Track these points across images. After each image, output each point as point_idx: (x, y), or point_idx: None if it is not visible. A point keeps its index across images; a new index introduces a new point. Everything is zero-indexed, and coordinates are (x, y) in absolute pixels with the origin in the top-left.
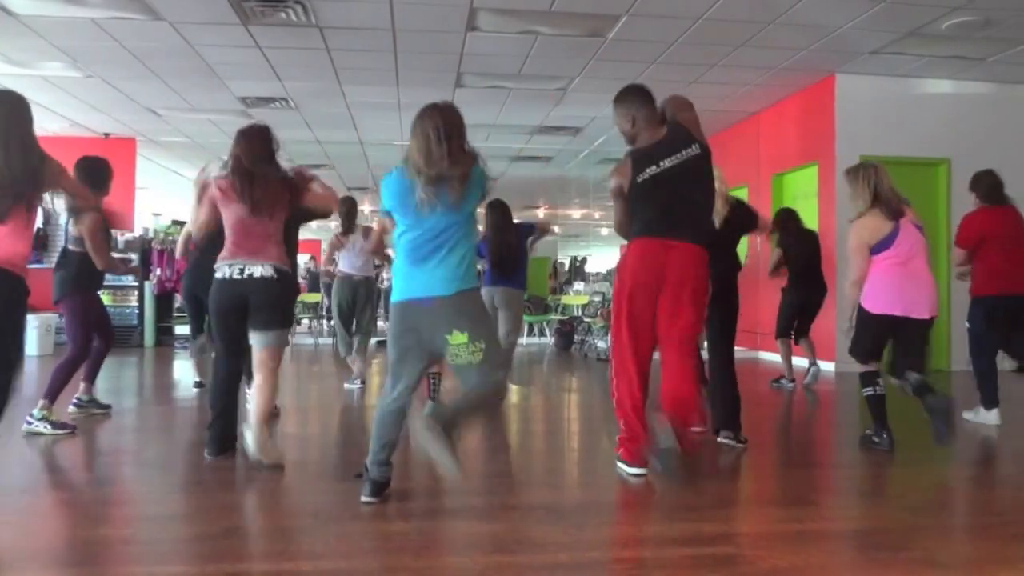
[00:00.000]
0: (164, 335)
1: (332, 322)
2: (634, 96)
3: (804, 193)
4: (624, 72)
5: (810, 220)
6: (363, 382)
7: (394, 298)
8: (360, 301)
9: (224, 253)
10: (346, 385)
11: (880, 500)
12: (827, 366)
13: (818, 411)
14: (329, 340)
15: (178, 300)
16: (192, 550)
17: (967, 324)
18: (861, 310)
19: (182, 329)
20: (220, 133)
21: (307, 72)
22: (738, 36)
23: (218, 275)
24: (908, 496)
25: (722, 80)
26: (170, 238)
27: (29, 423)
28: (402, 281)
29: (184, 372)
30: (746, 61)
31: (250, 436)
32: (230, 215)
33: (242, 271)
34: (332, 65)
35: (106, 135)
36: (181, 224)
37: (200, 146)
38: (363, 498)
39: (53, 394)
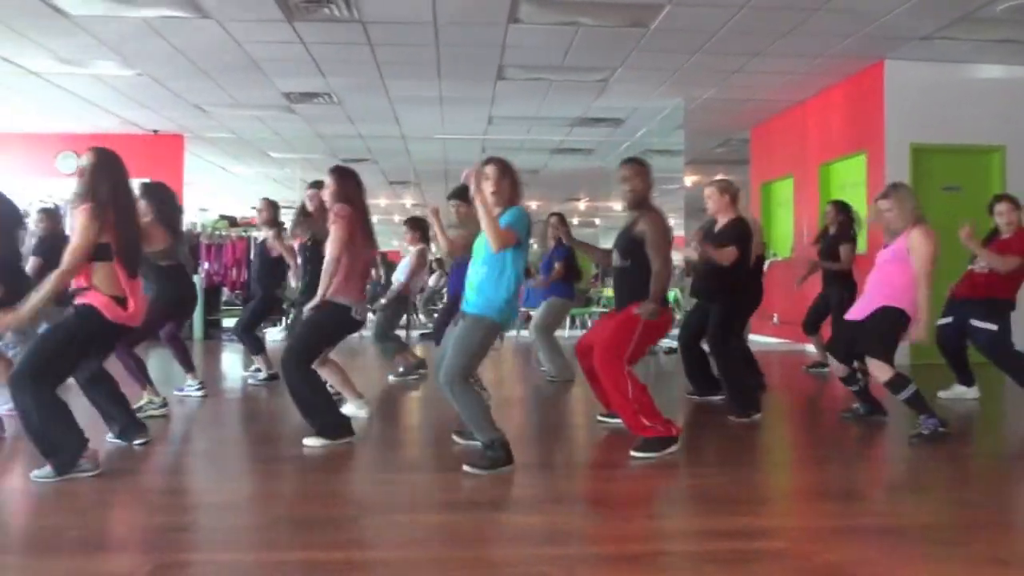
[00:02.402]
0: (212, 328)
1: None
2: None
3: (852, 182)
4: (667, 63)
5: (858, 210)
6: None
7: (504, 320)
8: None
9: (355, 291)
10: (394, 377)
11: (932, 495)
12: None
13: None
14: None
15: (226, 294)
16: (245, 539)
17: (992, 327)
18: (900, 315)
19: (230, 322)
20: (264, 128)
21: (350, 67)
22: (784, 23)
23: (353, 314)
24: (960, 490)
25: (767, 69)
26: (217, 232)
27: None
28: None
29: (233, 365)
30: (792, 49)
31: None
32: (358, 253)
33: (361, 313)
34: (374, 60)
35: (155, 132)
36: (228, 219)
37: (245, 142)
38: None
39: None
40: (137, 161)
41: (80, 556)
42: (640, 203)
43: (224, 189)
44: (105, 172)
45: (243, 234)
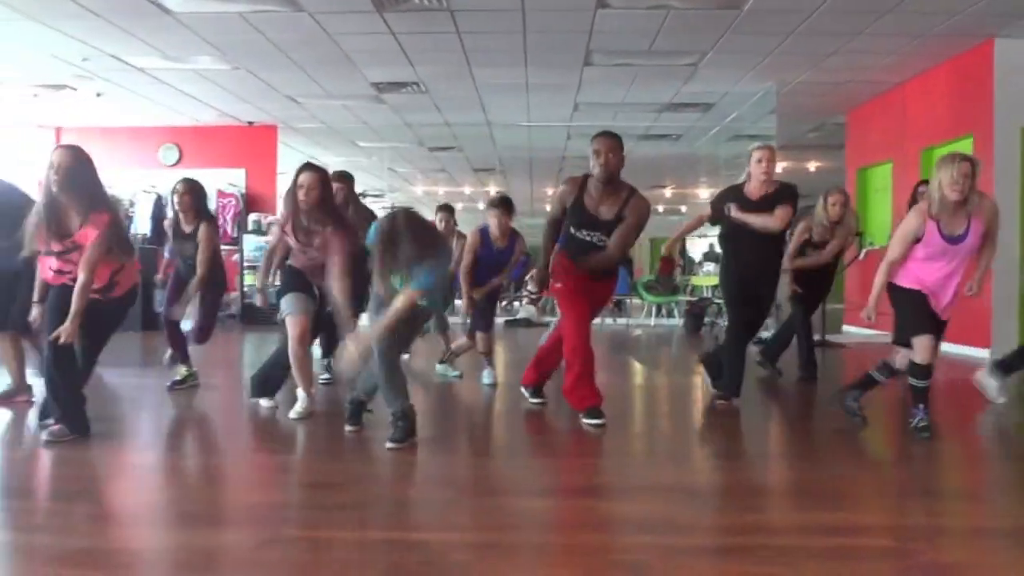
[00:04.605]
0: None
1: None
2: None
3: None
4: (759, 45)
5: None
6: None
7: None
8: None
9: None
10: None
11: None
12: (981, 353)
13: (973, 401)
14: None
15: None
16: (345, 517)
17: None
18: None
19: None
20: (353, 118)
21: (438, 56)
22: (885, 1)
23: None
24: None
25: (865, 49)
26: None
27: None
28: None
29: None
30: (893, 28)
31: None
32: None
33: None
34: (462, 48)
35: (250, 123)
36: None
37: (335, 131)
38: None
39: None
40: (233, 152)
41: (189, 530)
42: None
43: None
44: None
45: None
